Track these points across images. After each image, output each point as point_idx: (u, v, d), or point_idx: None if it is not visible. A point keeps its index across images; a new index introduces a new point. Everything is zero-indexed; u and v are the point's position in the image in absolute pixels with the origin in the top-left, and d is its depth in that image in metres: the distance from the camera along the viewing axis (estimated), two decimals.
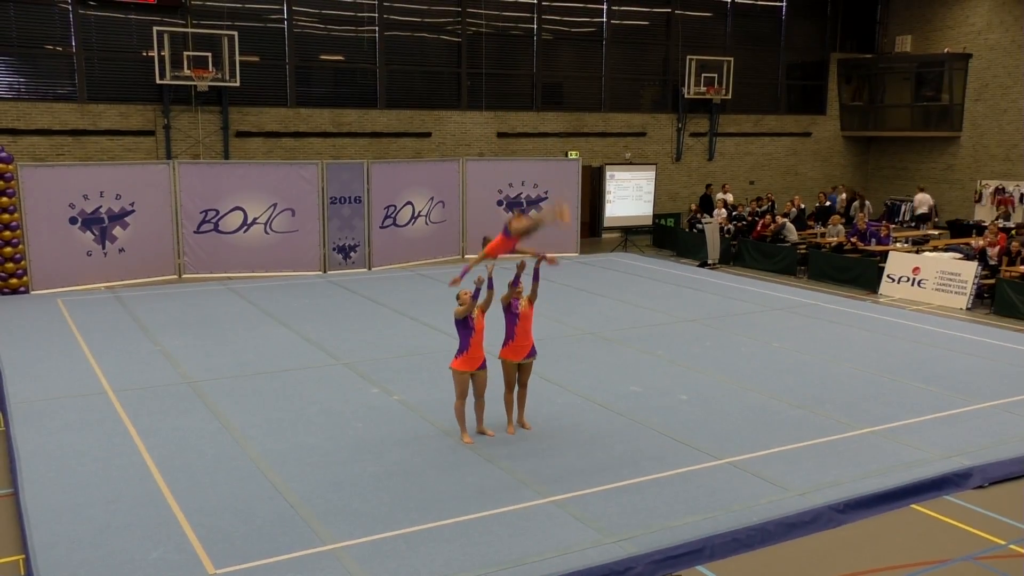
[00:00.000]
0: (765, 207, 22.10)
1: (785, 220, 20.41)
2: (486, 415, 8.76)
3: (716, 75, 24.96)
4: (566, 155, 23.90)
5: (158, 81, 18.89)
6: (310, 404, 9.82)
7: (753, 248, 20.11)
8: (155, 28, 18.81)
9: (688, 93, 24.68)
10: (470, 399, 8.65)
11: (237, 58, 19.35)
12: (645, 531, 6.89)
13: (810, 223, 22.23)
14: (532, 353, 8.59)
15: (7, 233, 15.56)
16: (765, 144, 27.48)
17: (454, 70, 22.43)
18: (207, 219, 17.68)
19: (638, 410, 9.67)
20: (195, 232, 17.64)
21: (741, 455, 8.40)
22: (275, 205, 18.03)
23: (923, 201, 23.16)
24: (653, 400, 10.06)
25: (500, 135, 23.29)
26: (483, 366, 8.31)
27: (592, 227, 24.56)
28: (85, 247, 16.52)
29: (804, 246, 19.71)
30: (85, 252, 16.51)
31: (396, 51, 21.71)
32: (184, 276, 17.62)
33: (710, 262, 20.05)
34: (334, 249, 18.60)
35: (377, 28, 21.44)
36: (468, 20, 22.37)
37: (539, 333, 12.97)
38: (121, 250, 16.87)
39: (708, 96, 24.88)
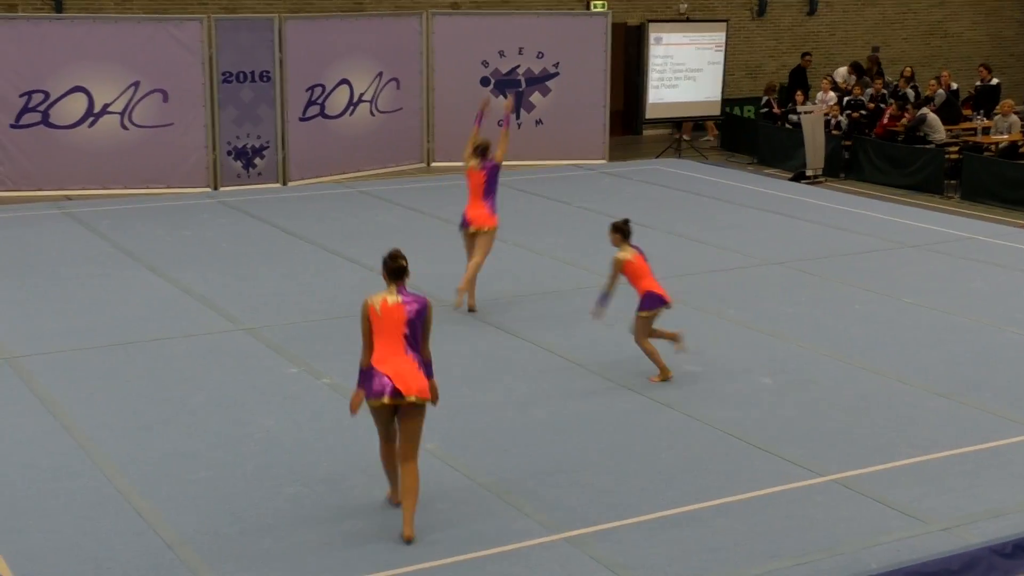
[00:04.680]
0: (898, 89, 21.93)
1: (926, 109, 20.30)
2: None
3: None
4: (588, 7, 23.64)
5: None
6: (194, 391, 9.82)
7: (877, 152, 20.03)
8: None
9: None
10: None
11: None
12: None
13: (966, 112, 22.13)
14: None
15: None
16: None
17: None
18: (31, 106, 17.51)
19: (695, 399, 9.70)
20: (12, 127, 17.50)
21: (853, 469, 8.42)
22: (136, 85, 17.88)
23: None
24: (718, 384, 10.10)
25: None
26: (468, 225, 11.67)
27: (627, 120, 24.38)
28: None
29: (956, 148, 19.62)
30: None
31: None
32: None
33: (810, 173, 20.00)
34: (229, 154, 18.49)
35: None
36: None
37: (546, 281, 12.96)
38: None
39: None
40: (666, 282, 13.15)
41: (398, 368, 7.15)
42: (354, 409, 7.42)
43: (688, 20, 24.01)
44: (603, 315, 10.16)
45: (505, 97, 19.17)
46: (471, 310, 11.88)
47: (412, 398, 7.16)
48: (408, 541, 7.21)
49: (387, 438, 7.44)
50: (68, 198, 17.51)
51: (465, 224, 11.85)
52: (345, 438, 8.80)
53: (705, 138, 24.03)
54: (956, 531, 7.54)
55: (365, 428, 8.16)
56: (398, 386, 7.11)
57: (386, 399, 7.14)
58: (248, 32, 18.33)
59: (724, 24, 22.94)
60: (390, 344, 7.17)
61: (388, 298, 7.20)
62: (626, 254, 9.79)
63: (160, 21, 18.35)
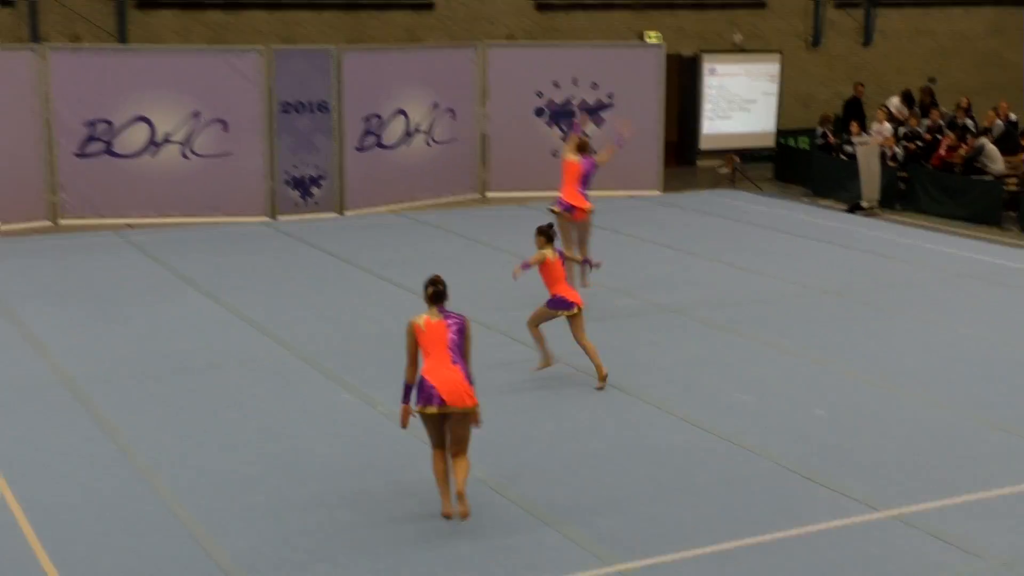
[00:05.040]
0: (956, 120, 21.75)
1: (983, 140, 20.12)
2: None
3: None
4: (641, 38, 23.66)
5: None
6: (249, 417, 9.89)
7: (933, 183, 19.83)
8: None
9: None
10: None
11: None
12: None
13: None
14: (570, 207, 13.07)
15: None
16: (954, 18, 26.94)
17: None
18: (95, 135, 17.76)
19: (748, 432, 9.63)
20: (77, 156, 17.73)
21: (911, 505, 8.33)
22: (197, 115, 18.08)
23: None
24: (771, 416, 10.03)
25: (540, 6, 23.11)
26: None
27: (682, 151, 24.31)
28: None
29: (1014, 180, 19.39)
30: None
31: None
32: (61, 222, 17.74)
33: (865, 204, 19.85)
34: (287, 182, 18.63)
35: None
36: None
37: (597, 309, 12.94)
38: None
39: None
40: (719, 310, 13.19)
41: (445, 379, 7.71)
42: (404, 424, 7.91)
43: (742, 51, 23.97)
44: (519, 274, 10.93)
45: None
46: (584, 286, 12.66)
47: (458, 408, 7.70)
48: (459, 495, 7.63)
49: (438, 444, 7.87)
50: (129, 226, 17.72)
51: (569, 209, 13.12)
52: (400, 464, 8.81)
53: (724, 168, 23.46)
54: (1017, 567, 7.43)
55: (419, 455, 8.19)
56: (445, 396, 7.64)
57: (434, 408, 7.67)
58: (306, 62, 18.50)
59: (778, 55, 22.89)
60: (437, 357, 7.75)
61: (431, 318, 7.85)
62: (547, 253, 10.67)
63: (220, 52, 18.56)
